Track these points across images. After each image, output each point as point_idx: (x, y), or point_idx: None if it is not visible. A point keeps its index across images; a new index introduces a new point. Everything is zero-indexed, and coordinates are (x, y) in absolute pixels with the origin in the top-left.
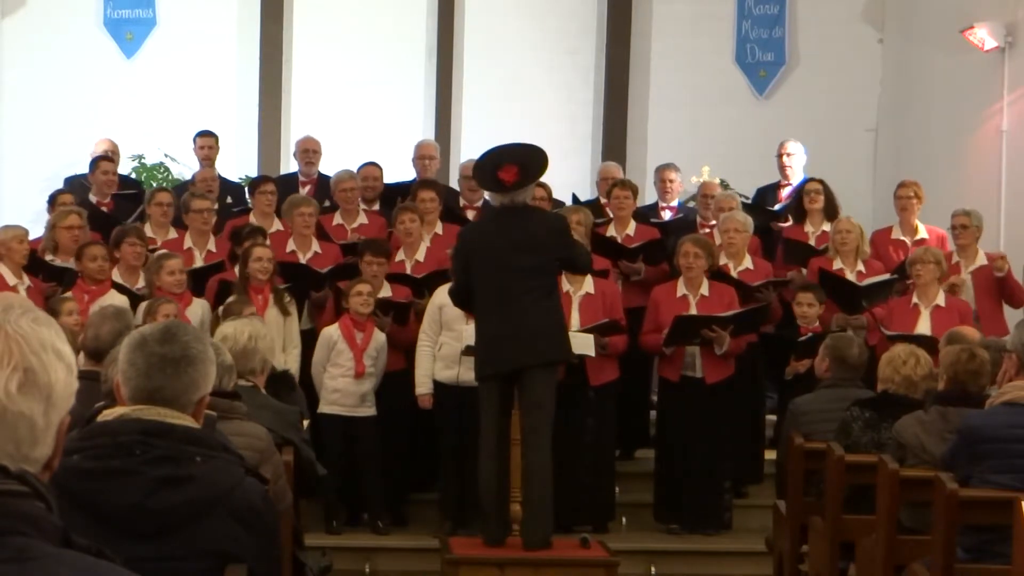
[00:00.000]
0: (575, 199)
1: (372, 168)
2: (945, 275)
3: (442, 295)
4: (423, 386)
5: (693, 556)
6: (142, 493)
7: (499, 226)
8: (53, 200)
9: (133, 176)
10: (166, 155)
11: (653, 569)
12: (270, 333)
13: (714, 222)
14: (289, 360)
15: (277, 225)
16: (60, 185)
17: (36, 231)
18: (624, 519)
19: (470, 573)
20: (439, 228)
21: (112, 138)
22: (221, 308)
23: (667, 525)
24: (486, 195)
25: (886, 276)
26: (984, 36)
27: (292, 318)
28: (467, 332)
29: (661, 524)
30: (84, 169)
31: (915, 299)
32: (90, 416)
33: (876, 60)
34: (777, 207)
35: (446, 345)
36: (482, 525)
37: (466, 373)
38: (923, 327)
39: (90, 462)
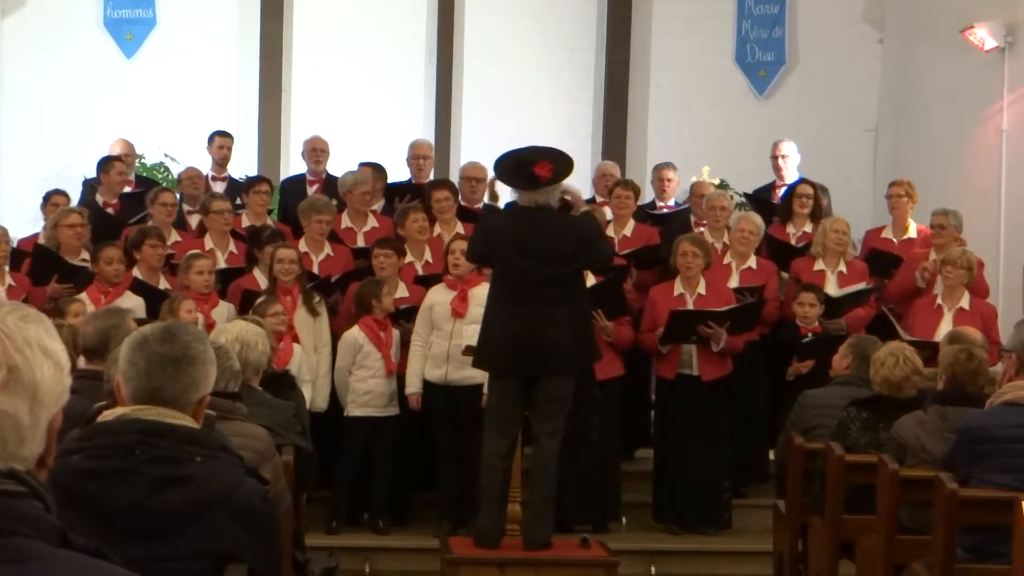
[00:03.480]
0: None
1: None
2: (973, 282)
3: (433, 295)
4: (412, 386)
5: (693, 556)
6: (142, 493)
7: (525, 228)
8: (47, 199)
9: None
10: (166, 155)
11: (653, 569)
12: (267, 334)
13: (706, 221)
14: (320, 360)
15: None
16: (62, 185)
17: (35, 231)
18: (624, 519)
19: (470, 573)
20: (459, 227)
21: (104, 138)
22: (251, 310)
23: (667, 525)
24: (503, 197)
25: (860, 286)
26: (984, 36)
27: (322, 318)
28: (467, 332)
29: (661, 524)
30: (89, 169)
31: (939, 300)
32: (90, 416)
33: (876, 60)
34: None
35: (435, 344)
36: (478, 526)
37: (455, 372)
38: (945, 330)
39: (90, 462)
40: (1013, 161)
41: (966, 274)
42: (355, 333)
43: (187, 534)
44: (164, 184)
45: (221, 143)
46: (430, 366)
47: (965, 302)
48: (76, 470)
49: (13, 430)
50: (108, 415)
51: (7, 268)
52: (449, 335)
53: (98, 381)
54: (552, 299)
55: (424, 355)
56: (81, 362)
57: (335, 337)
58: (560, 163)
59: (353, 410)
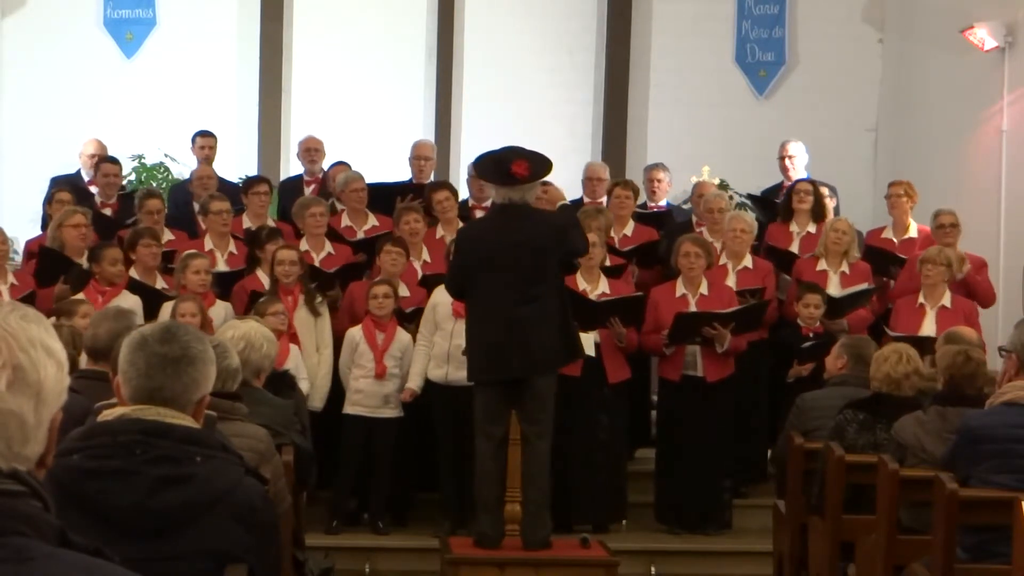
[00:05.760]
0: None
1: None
2: (952, 279)
3: (438, 294)
4: (411, 382)
5: (693, 556)
6: (142, 493)
7: (501, 226)
8: (50, 199)
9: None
10: (166, 155)
11: (653, 569)
12: (273, 335)
13: (705, 222)
14: (322, 360)
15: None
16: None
17: (35, 231)
18: (624, 519)
19: (470, 573)
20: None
21: (104, 138)
22: (252, 309)
23: (667, 525)
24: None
25: (863, 286)
26: (984, 36)
27: (323, 319)
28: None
29: (661, 524)
30: (75, 169)
31: (921, 299)
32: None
33: (876, 60)
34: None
35: (436, 344)
36: (477, 528)
37: (455, 372)
38: (928, 327)
39: (90, 462)
40: (1013, 161)
41: (946, 271)
42: (356, 331)
43: (187, 534)
44: (164, 185)
45: (203, 143)
46: (432, 366)
47: (947, 300)
48: (76, 470)
49: (18, 429)
50: (108, 415)
51: (7, 267)
52: (450, 335)
53: (100, 381)
54: (535, 296)
55: (428, 354)
56: (83, 362)
57: (334, 335)
58: (537, 163)
59: (348, 407)
